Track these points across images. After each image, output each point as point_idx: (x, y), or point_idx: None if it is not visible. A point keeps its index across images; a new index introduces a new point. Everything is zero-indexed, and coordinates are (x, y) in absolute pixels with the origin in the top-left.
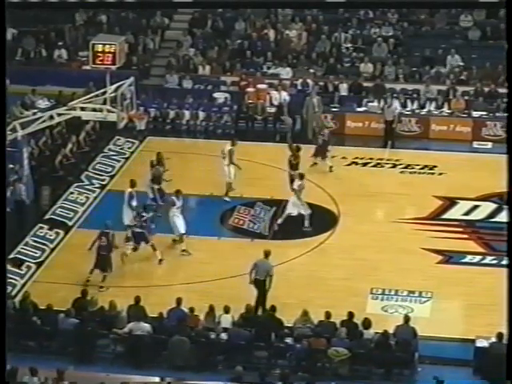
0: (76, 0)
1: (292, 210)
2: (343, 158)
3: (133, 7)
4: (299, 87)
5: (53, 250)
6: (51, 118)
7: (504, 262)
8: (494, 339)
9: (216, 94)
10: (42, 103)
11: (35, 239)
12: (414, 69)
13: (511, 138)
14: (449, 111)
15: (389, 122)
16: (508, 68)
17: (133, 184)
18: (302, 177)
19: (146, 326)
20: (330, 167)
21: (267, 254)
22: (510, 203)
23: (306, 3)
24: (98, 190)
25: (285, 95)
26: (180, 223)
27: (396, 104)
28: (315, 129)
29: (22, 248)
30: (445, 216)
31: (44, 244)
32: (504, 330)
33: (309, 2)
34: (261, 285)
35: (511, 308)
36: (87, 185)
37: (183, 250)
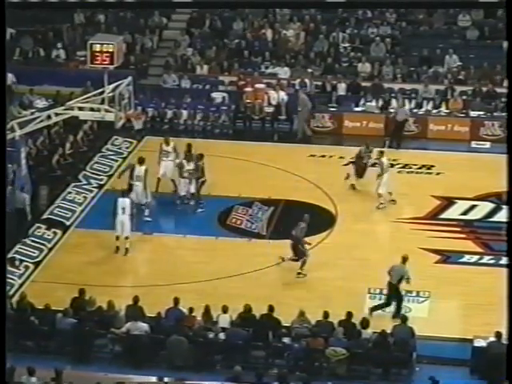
0: (75, 0)
1: None
2: (341, 157)
3: (131, 7)
4: (297, 87)
5: (50, 249)
6: (49, 117)
7: (502, 262)
8: (492, 339)
9: (214, 94)
10: (40, 103)
11: (33, 239)
12: (412, 68)
13: (511, 138)
14: (447, 111)
15: (400, 123)
16: (508, 68)
17: None
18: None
19: (144, 326)
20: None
21: (405, 259)
22: (510, 203)
23: (304, 3)
24: (95, 190)
25: (283, 95)
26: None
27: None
28: (304, 127)
29: (20, 248)
30: (443, 216)
31: (42, 244)
32: (503, 330)
33: (307, 2)
34: (392, 288)
35: (511, 308)
36: (85, 184)
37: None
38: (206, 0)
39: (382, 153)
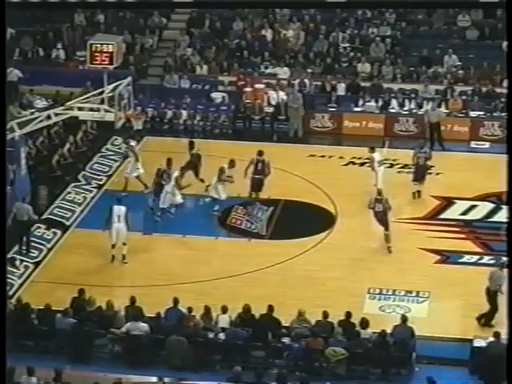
0: (75, 0)
1: None
2: (341, 157)
3: (131, 7)
4: (297, 87)
5: (50, 249)
6: (49, 117)
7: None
8: (491, 339)
9: (213, 94)
10: (40, 103)
11: (32, 239)
12: (412, 69)
13: (511, 138)
14: (446, 111)
15: (434, 124)
16: (508, 68)
17: None
18: None
19: (144, 326)
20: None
21: (502, 266)
22: (510, 203)
23: (305, 3)
24: (95, 190)
25: (282, 95)
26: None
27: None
28: (297, 127)
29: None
30: (442, 216)
31: (41, 244)
32: (502, 330)
33: (307, 2)
34: (489, 294)
35: (511, 309)
36: (84, 184)
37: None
38: (205, 0)
39: (372, 148)
